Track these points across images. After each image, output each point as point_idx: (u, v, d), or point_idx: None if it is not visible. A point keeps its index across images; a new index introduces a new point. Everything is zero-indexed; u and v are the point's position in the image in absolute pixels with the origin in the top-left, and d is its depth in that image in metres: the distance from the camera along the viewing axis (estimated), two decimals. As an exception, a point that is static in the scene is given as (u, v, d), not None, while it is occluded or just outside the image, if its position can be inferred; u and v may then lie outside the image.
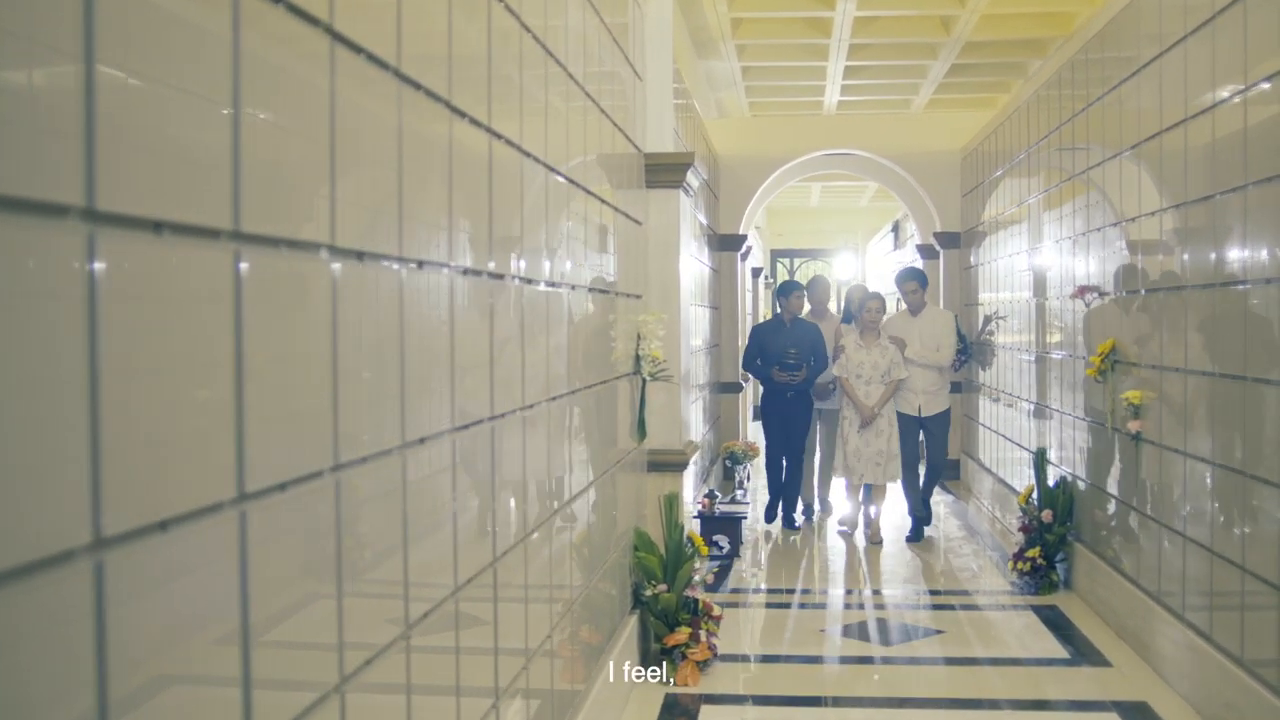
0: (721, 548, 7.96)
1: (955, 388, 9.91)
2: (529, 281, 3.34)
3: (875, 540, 8.58)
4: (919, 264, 12.79)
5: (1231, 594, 4.54)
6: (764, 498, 9.72)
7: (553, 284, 3.63)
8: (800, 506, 9.44)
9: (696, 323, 9.24)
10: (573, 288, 3.95)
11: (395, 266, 2.26)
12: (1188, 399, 5.02)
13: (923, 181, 11.23)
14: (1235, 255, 4.50)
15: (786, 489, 9.24)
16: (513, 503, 3.19)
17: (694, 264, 8.78)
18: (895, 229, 17.09)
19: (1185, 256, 5.07)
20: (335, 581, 1.98)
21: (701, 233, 9.77)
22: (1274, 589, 4.13)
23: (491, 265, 2.92)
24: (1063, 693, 5.20)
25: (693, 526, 7.82)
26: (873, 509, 8.71)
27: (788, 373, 8.75)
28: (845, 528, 9.07)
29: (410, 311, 2.32)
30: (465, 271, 2.72)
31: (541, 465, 3.52)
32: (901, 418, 8.63)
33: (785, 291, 9.19)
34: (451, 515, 2.62)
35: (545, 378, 3.54)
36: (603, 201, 4.51)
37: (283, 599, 1.82)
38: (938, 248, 11.25)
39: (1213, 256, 4.73)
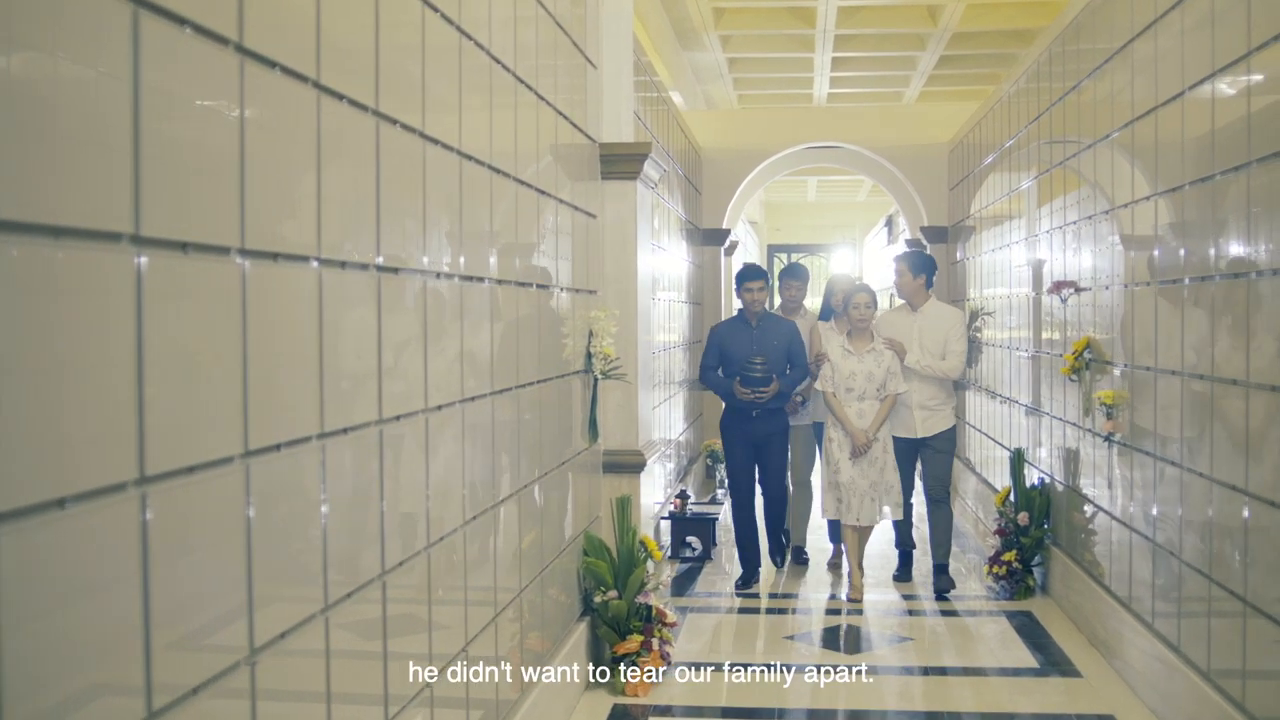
0: (694, 549, 7.78)
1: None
2: (437, 276, 3.15)
3: (856, 598, 6.68)
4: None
5: (1199, 603, 4.34)
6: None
7: (470, 278, 3.44)
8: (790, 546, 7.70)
9: (674, 319, 9.06)
10: (500, 282, 3.76)
11: (239, 260, 2.08)
12: (1157, 399, 4.82)
13: (910, 175, 11.01)
14: (1202, 251, 4.30)
15: (770, 532, 7.44)
16: (414, 510, 3.00)
17: (666, 258, 8.58)
18: (889, 223, 16.88)
19: (1155, 252, 4.87)
20: (141, 606, 1.80)
21: (680, 227, 9.58)
22: (1239, 600, 3.93)
23: (380, 260, 2.73)
24: (1028, 705, 5.00)
25: (663, 528, 7.65)
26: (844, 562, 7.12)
27: (751, 388, 6.76)
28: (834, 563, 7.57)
29: (257, 310, 2.13)
30: (344, 265, 2.54)
31: (455, 469, 3.33)
32: (894, 440, 6.87)
33: (743, 279, 7.08)
34: (321, 527, 2.43)
35: (460, 376, 3.36)
36: (541, 192, 4.32)
37: (73, 626, 1.64)
38: (925, 242, 11.03)
39: (1182, 253, 4.53)
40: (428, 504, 3.09)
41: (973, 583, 7.11)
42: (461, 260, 3.36)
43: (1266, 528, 3.70)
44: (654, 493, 7.41)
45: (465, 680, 3.42)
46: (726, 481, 7.47)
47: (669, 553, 7.72)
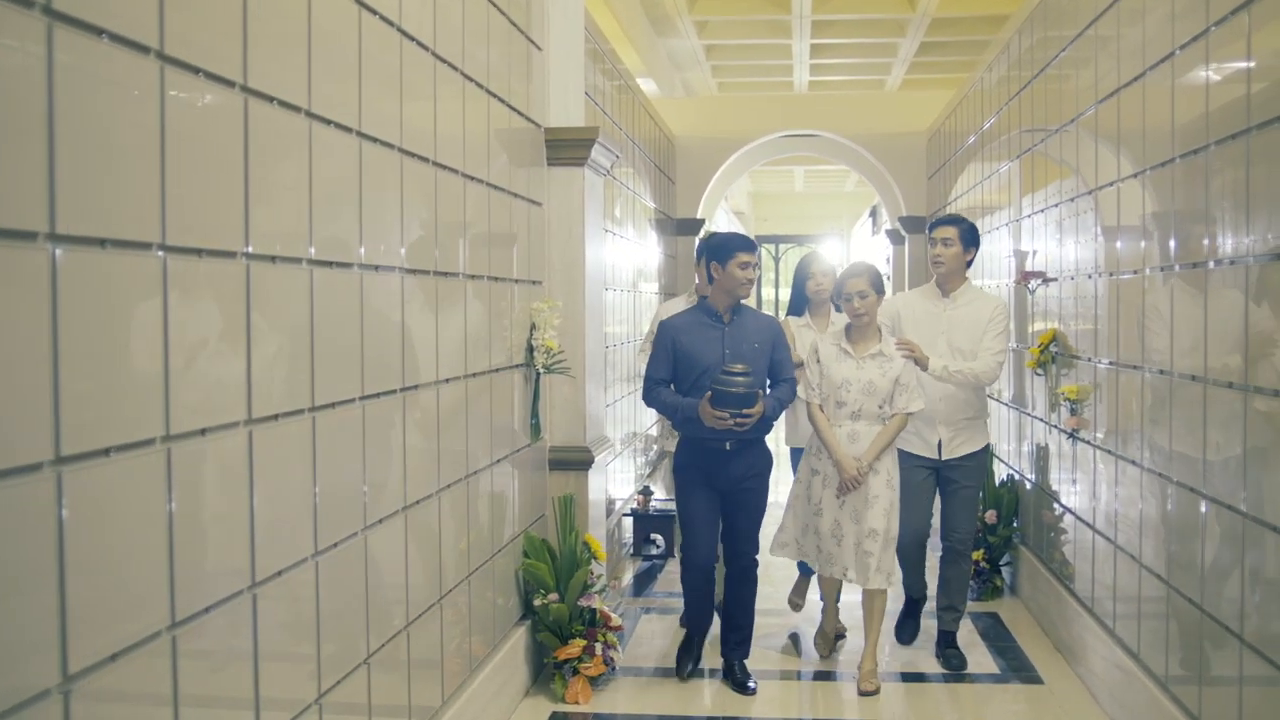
0: (659, 547, 7.58)
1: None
2: (330, 266, 2.95)
3: (838, 634, 5.49)
4: (890, 251, 12.27)
5: (1158, 610, 4.15)
6: None
7: (374, 267, 3.24)
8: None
9: (643, 310, 8.84)
10: (412, 272, 3.55)
11: (46, 246, 1.88)
12: (1119, 395, 4.62)
13: (888, 164, 10.81)
14: (1163, 240, 4.10)
15: (732, 620, 5.14)
16: (295, 516, 2.80)
17: (630, 248, 8.36)
18: (874, 213, 16.67)
19: (1119, 243, 4.67)
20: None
21: (650, 216, 9.37)
22: (1196, 607, 3.74)
23: (249, 248, 2.53)
24: (986, 713, 4.81)
25: (626, 524, 7.46)
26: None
27: (731, 409, 4.65)
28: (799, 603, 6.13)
29: (73, 304, 1.93)
30: (200, 253, 2.33)
31: (351, 471, 3.13)
32: (905, 459, 5.13)
33: (722, 252, 4.91)
34: (166, 534, 2.22)
35: (359, 374, 3.15)
36: (470, 178, 4.12)
37: None
38: (903, 233, 10.82)
39: (1143, 245, 4.33)
40: (315, 506, 2.89)
41: (941, 582, 6.90)
42: (361, 251, 3.16)
43: (1224, 532, 3.50)
44: (616, 489, 7.23)
45: (368, 691, 3.23)
46: (678, 546, 5.34)
47: (631, 550, 7.53)
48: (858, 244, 20.92)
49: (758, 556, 5.09)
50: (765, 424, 4.89)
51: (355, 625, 3.18)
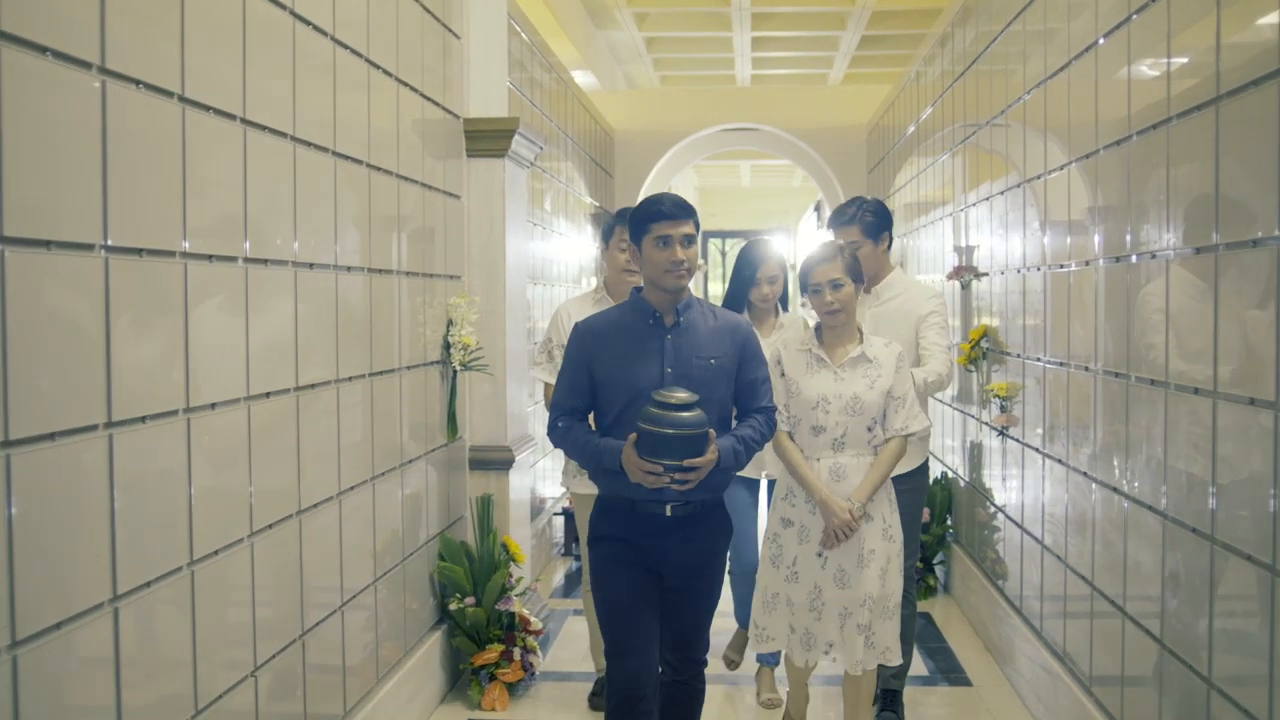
0: (592, 547, 7.44)
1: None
2: (210, 259, 2.79)
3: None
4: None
5: (1082, 610, 4.08)
6: None
7: (258, 261, 3.08)
8: None
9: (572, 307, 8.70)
10: (309, 266, 3.40)
11: None
12: (1046, 392, 4.55)
13: (828, 158, 10.73)
14: (1086, 235, 4.02)
15: None
16: (169, 523, 2.64)
17: (566, 243, 8.21)
18: (818, 208, 16.63)
19: (1047, 239, 4.60)
20: None
21: (585, 211, 9.23)
22: (1118, 610, 3.66)
23: (108, 240, 2.37)
24: (910, 716, 4.71)
25: (556, 524, 7.34)
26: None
27: (667, 460, 3.11)
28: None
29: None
30: (49, 245, 2.18)
31: (236, 474, 2.97)
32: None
33: (636, 225, 3.30)
34: (5, 550, 2.07)
35: (244, 371, 2.99)
36: (375, 168, 3.96)
37: None
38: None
39: (1069, 240, 4.26)
40: (191, 510, 2.73)
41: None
42: (246, 245, 3.00)
43: (1146, 533, 3.42)
44: (546, 489, 7.10)
45: (255, 702, 3.08)
46: (605, 655, 3.48)
47: (562, 550, 7.39)
48: (804, 239, 20.89)
49: (707, 658, 3.56)
50: (722, 477, 3.29)
51: (241, 635, 3.02)
